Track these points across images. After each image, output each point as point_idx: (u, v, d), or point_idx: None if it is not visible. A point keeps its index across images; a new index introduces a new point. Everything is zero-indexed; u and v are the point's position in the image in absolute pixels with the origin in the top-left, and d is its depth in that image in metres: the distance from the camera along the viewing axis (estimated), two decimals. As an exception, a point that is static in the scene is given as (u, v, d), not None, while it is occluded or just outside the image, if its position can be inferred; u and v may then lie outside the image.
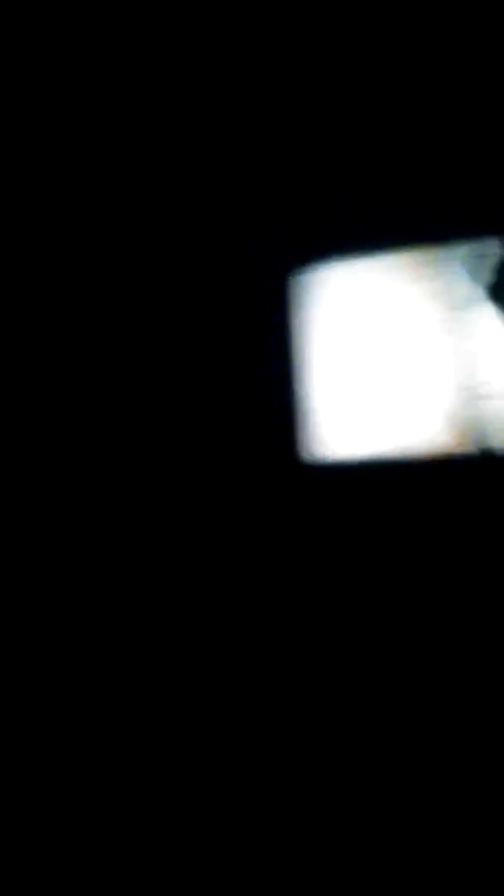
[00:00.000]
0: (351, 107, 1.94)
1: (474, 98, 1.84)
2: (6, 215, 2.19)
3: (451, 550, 1.91)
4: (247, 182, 2.09)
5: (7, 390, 2.22)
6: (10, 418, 2.23)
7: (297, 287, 2.10)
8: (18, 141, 2.13)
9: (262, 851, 1.83)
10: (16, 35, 1.98)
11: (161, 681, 2.18)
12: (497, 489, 1.85)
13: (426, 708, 1.93)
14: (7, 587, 2.23)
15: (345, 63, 1.90)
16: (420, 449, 1.97)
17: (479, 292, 1.83)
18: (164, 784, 2.06)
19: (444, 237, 1.86)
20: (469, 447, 1.91)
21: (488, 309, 1.83)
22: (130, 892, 1.86)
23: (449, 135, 1.84)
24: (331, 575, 2.05)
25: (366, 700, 1.99)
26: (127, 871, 1.90)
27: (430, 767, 1.90)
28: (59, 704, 2.18)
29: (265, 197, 2.07)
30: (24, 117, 2.09)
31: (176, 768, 2.10)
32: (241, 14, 1.91)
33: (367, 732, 1.97)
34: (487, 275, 1.79)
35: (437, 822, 1.83)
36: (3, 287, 2.23)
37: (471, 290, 1.86)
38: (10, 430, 2.23)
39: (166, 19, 1.94)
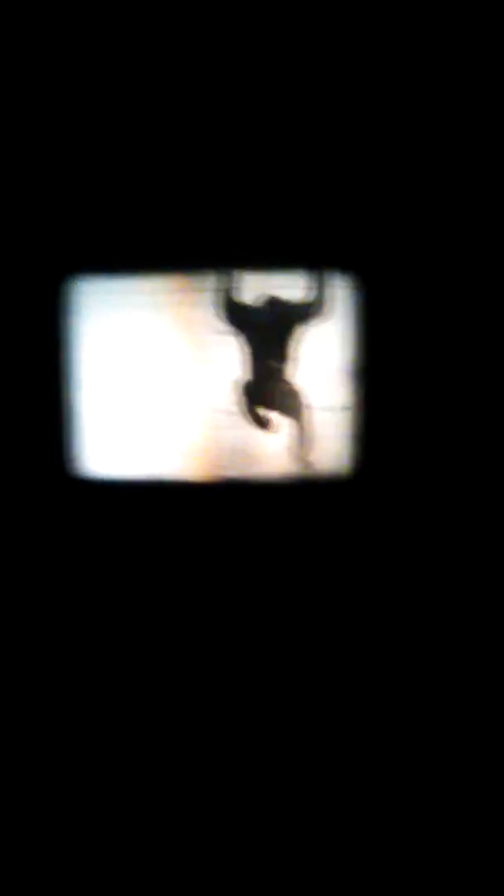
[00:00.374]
0: (141, 127, 2.02)
1: (247, 141, 2.00)
2: None
3: (201, 567, 2.06)
4: (26, 183, 2.07)
5: None
6: None
7: (71, 296, 2.07)
8: None
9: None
10: None
11: None
12: (234, 514, 2.05)
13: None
14: None
15: (141, 87, 1.99)
16: (175, 471, 2.09)
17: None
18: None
19: (205, 266, 2.04)
20: (217, 473, 2.07)
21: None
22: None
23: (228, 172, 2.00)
24: (95, 587, 2.09)
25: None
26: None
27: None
28: None
29: (43, 200, 2.07)
30: None
31: None
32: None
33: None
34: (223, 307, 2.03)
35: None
36: None
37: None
38: None
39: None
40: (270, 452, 2.07)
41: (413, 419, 2.01)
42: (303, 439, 2.05)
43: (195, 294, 2.07)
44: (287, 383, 2.04)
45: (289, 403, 2.04)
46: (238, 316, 2.04)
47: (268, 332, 2.04)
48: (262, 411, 2.05)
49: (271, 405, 2.05)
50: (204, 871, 1.81)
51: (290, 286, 2.03)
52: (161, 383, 2.09)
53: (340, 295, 2.00)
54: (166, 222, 2.05)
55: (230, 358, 2.06)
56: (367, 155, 1.99)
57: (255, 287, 2.04)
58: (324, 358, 2.04)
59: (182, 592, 2.05)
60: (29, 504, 2.08)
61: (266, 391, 2.04)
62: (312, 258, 2.01)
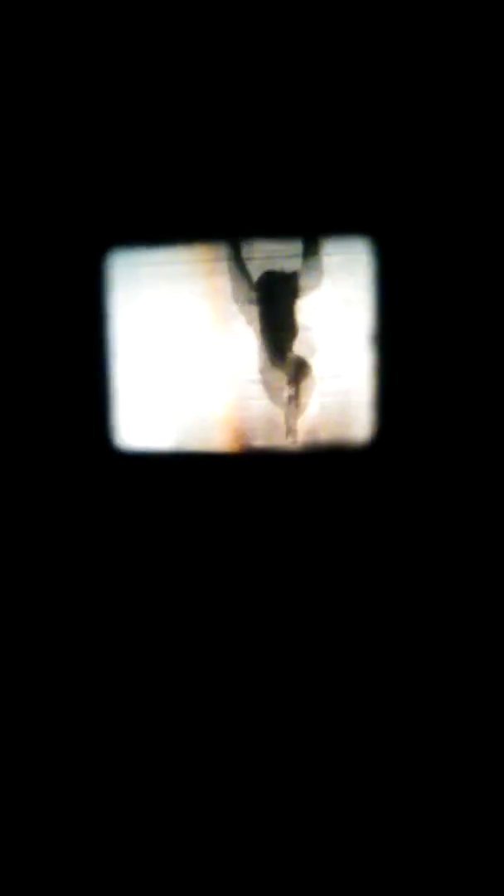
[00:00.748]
0: (170, 103, 2.04)
1: (278, 117, 1.98)
2: None
3: (230, 536, 2.13)
4: (66, 158, 2.12)
5: None
6: None
7: (110, 269, 2.11)
8: None
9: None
10: None
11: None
12: (261, 483, 2.08)
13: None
14: None
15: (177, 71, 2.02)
16: (205, 442, 2.13)
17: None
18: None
19: (237, 236, 2.05)
20: (246, 443, 2.11)
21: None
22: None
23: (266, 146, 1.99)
24: (145, 560, 2.18)
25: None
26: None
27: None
28: None
29: (82, 174, 2.12)
30: None
31: None
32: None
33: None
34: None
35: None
36: None
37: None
38: None
39: None
40: (299, 422, 2.11)
41: (433, 386, 1.97)
42: (297, 410, 2.07)
43: (225, 263, 2.10)
44: (295, 354, 2.07)
45: (299, 374, 2.07)
46: (248, 289, 2.08)
47: (271, 304, 2.07)
48: (278, 384, 2.09)
49: (283, 377, 2.08)
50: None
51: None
52: (194, 354, 2.16)
53: (358, 260, 1.97)
54: (199, 192, 2.07)
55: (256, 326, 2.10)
56: (384, 119, 1.92)
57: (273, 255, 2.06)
58: (341, 324, 2.03)
59: (213, 560, 2.16)
60: (70, 475, 2.25)
61: (277, 364, 2.08)
62: (330, 222, 1.98)
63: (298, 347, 2.08)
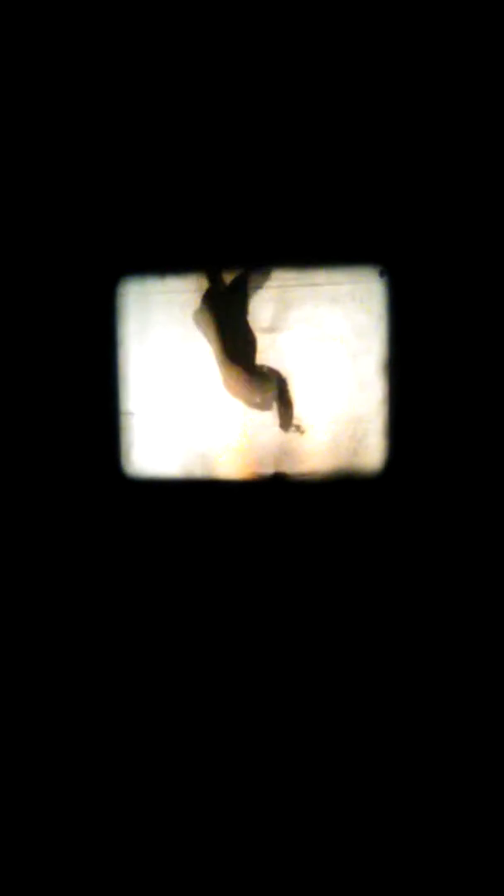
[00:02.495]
0: (183, 134, 2.09)
1: (289, 148, 2.02)
2: None
3: (240, 562, 2.14)
4: (80, 187, 2.16)
5: None
6: None
7: (125, 297, 2.17)
8: None
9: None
10: None
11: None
12: (273, 510, 2.11)
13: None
14: None
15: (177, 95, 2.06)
16: (217, 469, 2.17)
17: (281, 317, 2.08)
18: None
19: (247, 266, 2.10)
20: (257, 471, 2.14)
21: (291, 334, 2.08)
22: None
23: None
24: (154, 584, 2.20)
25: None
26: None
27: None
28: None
29: (96, 203, 2.15)
30: None
31: None
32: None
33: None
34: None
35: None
36: None
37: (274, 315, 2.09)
38: None
39: None
40: (309, 449, 2.11)
41: (445, 413, 1.97)
42: (287, 409, 2.11)
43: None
44: (256, 367, 2.11)
45: (264, 386, 2.11)
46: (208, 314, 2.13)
47: (227, 323, 2.12)
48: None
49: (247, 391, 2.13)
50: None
51: (326, 282, 2.05)
52: (204, 380, 2.18)
53: (370, 289, 1.98)
54: (210, 222, 2.10)
55: (271, 354, 2.12)
56: (396, 150, 1.95)
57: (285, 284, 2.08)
58: (353, 353, 2.05)
59: (222, 586, 2.16)
60: (81, 501, 2.25)
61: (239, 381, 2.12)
62: (343, 252, 2.00)
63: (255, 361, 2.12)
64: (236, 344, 2.11)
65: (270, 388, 2.10)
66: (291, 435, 2.11)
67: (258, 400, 2.12)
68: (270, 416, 2.13)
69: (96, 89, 2.12)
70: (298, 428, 2.10)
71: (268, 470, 2.13)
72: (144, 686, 2.18)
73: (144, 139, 2.11)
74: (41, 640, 2.27)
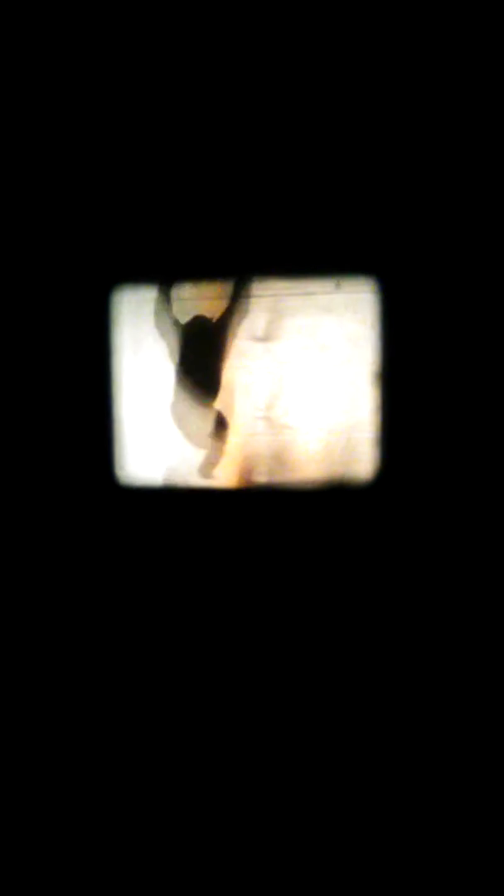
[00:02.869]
0: (181, 145, 2.10)
1: (284, 157, 2.03)
2: None
3: (235, 570, 2.14)
4: (74, 196, 2.17)
5: None
6: None
7: (116, 305, 2.17)
8: None
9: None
10: None
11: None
12: (267, 519, 2.10)
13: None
14: None
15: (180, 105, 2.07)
16: (220, 476, 2.17)
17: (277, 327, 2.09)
18: None
19: (242, 274, 2.10)
20: (252, 479, 2.14)
21: (285, 343, 2.09)
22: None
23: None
24: (147, 591, 2.20)
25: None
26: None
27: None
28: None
29: (91, 212, 2.16)
30: None
31: None
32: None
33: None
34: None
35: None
36: None
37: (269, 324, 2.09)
38: None
39: None
40: (303, 459, 2.12)
41: (437, 423, 1.98)
42: (215, 456, 2.14)
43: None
44: (211, 403, 2.14)
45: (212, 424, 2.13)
46: (170, 329, 2.16)
47: (192, 348, 2.15)
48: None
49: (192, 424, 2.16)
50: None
51: (319, 292, 2.06)
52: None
53: (362, 298, 1.99)
54: (205, 230, 2.11)
55: (266, 365, 2.12)
56: (390, 158, 1.95)
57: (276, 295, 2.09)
58: (346, 362, 2.05)
59: (214, 594, 2.16)
60: (74, 508, 2.26)
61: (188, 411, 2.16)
62: (336, 262, 2.01)
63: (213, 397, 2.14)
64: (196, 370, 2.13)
65: (216, 429, 2.12)
66: (284, 443, 2.12)
67: (192, 434, 2.14)
68: (263, 425, 2.13)
69: (93, 101, 2.13)
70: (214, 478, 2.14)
71: (260, 478, 2.14)
72: (140, 694, 2.18)
73: (139, 147, 2.13)
74: (35, 647, 2.27)
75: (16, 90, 2.17)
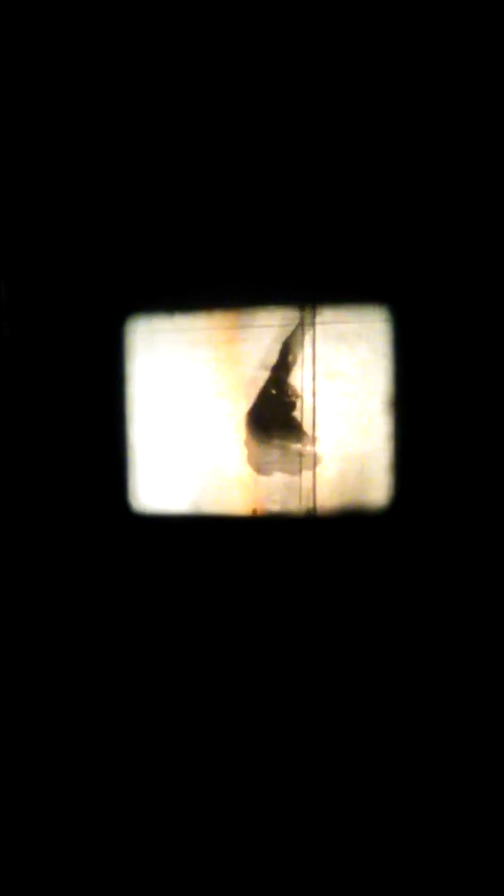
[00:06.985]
0: (195, 176, 2.13)
1: (297, 187, 2.06)
2: None
3: (245, 597, 2.14)
4: (89, 225, 2.20)
5: None
6: None
7: (133, 334, 2.20)
8: None
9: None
10: None
11: None
12: (277, 547, 2.12)
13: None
14: None
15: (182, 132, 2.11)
16: (222, 505, 2.17)
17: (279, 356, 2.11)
18: None
19: (255, 304, 2.12)
20: (262, 508, 2.14)
21: (298, 372, 2.09)
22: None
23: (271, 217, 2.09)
24: (161, 618, 2.20)
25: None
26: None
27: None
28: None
29: (105, 241, 2.19)
30: None
31: None
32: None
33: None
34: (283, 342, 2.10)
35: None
36: None
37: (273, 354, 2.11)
38: None
39: None
40: (312, 487, 2.12)
41: (450, 450, 1.99)
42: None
43: (242, 331, 2.15)
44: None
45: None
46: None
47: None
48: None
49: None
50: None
51: (333, 321, 2.08)
52: (211, 418, 2.20)
53: (375, 327, 2.01)
54: (218, 261, 2.14)
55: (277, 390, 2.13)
56: (402, 188, 1.99)
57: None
58: (359, 390, 2.07)
59: (232, 619, 2.15)
60: (88, 536, 2.26)
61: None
62: (348, 291, 2.03)
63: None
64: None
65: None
66: (297, 472, 2.12)
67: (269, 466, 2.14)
68: (275, 453, 2.14)
69: (105, 127, 2.17)
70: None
71: (274, 506, 2.14)
72: (149, 717, 2.17)
73: (154, 178, 2.16)
74: (47, 670, 2.26)
75: (38, 124, 2.20)
